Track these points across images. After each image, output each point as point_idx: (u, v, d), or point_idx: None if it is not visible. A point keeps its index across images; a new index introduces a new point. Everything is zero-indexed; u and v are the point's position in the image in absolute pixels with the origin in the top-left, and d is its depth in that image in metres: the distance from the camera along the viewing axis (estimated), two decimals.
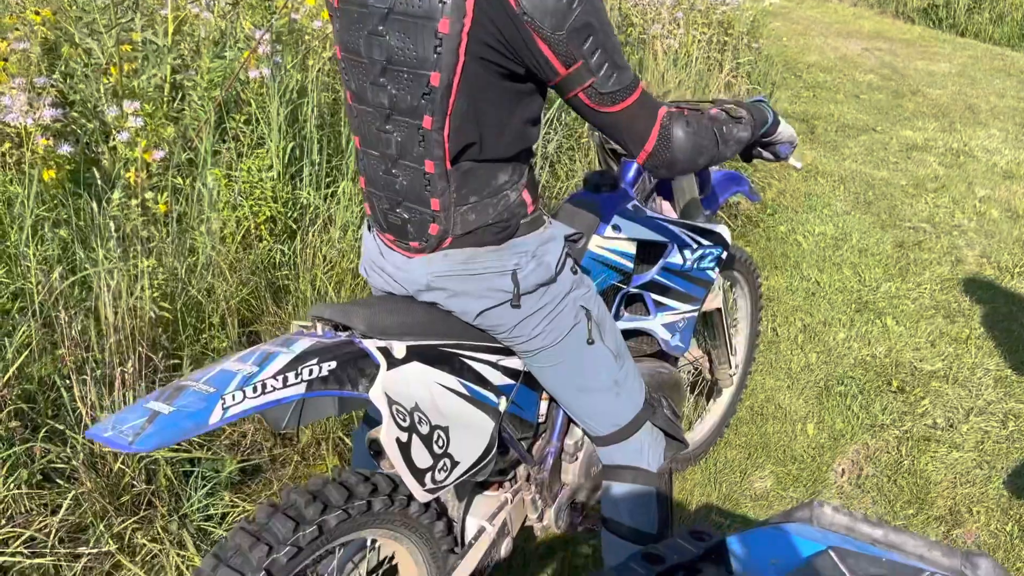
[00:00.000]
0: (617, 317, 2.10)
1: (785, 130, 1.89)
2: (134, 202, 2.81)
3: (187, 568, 2.27)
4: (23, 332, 2.43)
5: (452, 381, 1.62)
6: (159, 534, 2.30)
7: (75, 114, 3.32)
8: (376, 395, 1.48)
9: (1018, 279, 4.33)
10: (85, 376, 2.36)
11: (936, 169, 5.84)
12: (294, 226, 3.24)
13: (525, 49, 1.38)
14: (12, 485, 2.23)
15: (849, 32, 10.32)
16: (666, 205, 2.37)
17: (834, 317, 3.91)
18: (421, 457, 1.55)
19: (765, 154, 1.94)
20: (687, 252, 2.21)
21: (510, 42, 1.37)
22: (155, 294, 2.66)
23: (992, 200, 5.34)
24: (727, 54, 6.11)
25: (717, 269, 2.34)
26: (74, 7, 3.75)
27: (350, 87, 1.57)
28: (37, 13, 3.30)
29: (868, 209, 5.14)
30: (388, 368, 1.50)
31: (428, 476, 1.57)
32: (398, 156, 1.53)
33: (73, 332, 2.44)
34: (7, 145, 2.88)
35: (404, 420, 1.51)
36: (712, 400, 2.98)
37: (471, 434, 1.65)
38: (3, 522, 2.20)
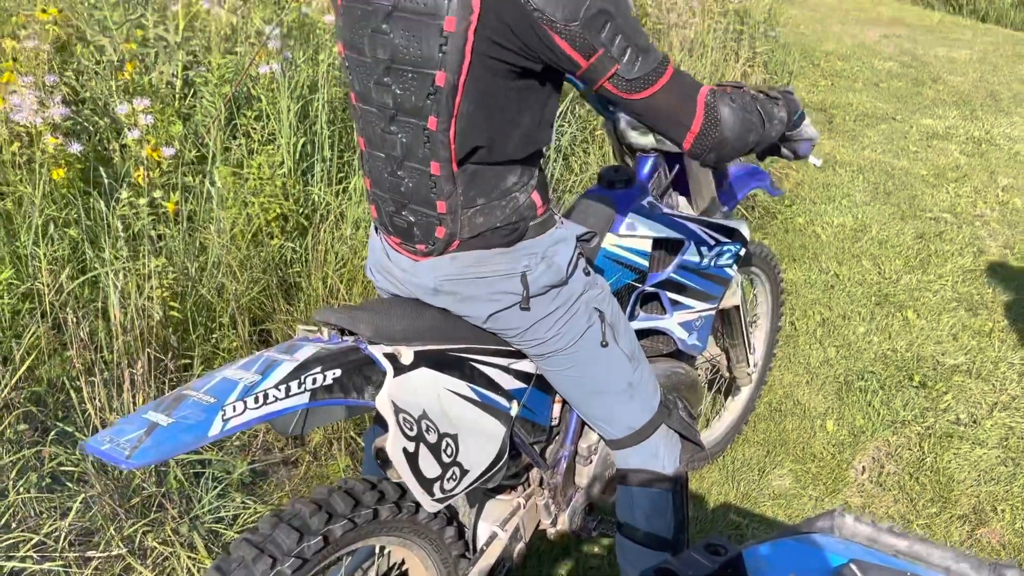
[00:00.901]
0: (632, 316, 2.06)
1: (808, 127, 1.83)
2: (142, 200, 2.79)
3: (198, 570, 2.25)
4: (32, 334, 2.42)
5: (462, 387, 1.57)
6: (170, 536, 2.28)
7: (87, 112, 3.30)
8: (382, 403, 1.44)
9: None
10: (94, 378, 2.34)
11: (957, 158, 5.74)
12: (305, 223, 3.20)
13: (540, 44, 1.32)
14: (22, 489, 2.22)
15: (868, 19, 10.17)
16: (683, 201, 2.32)
17: (853, 310, 3.84)
18: (429, 467, 1.51)
19: (784, 151, 1.87)
20: (704, 249, 2.16)
21: (522, 38, 1.32)
22: (164, 294, 2.63)
23: (1015, 189, 5.25)
24: (743, 43, 6.03)
25: (735, 266, 2.29)
26: (86, 3, 3.74)
27: (354, 87, 1.52)
28: (44, 11, 3.27)
29: (888, 200, 5.06)
30: (395, 375, 1.46)
31: (437, 486, 1.53)
32: (403, 158, 1.49)
33: (82, 333, 2.42)
34: (16, 145, 2.86)
35: (411, 429, 1.47)
36: (730, 398, 2.93)
37: (481, 441, 1.61)
38: (13, 526, 2.19)
